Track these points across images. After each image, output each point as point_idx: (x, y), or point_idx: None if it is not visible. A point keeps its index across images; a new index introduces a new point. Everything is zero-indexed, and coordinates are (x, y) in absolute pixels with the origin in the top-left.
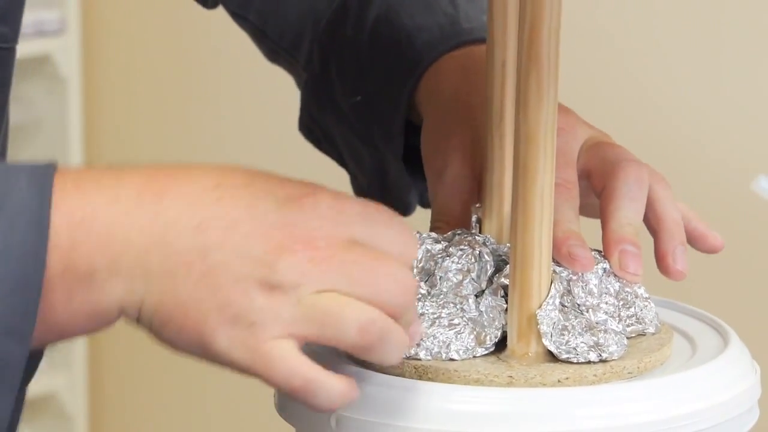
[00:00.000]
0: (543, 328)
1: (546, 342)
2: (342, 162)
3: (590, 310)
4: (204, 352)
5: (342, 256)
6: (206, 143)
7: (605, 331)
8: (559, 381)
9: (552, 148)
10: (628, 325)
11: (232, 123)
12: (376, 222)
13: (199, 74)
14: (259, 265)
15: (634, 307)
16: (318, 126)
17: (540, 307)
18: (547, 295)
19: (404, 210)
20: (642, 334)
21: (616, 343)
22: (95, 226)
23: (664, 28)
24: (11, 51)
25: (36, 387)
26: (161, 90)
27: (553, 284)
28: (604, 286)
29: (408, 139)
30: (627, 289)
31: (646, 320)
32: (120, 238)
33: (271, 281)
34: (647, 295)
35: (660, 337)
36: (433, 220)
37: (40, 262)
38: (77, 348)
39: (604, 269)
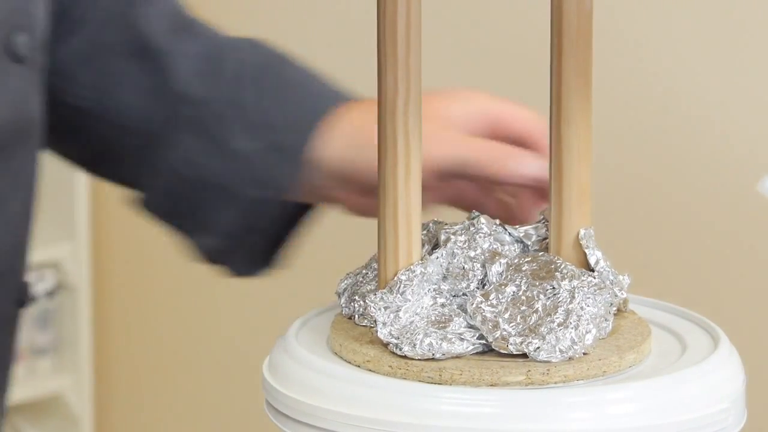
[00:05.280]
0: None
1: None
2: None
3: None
4: None
5: None
6: None
7: (577, 327)
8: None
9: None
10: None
11: None
12: None
13: None
14: None
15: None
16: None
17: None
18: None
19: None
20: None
21: (594, 337)
22: None
23: (679, 22)
24: None
25: (42, 388)
26: None
27: None
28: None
29: None
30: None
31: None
32: None
33: None
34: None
35: (640, 330)
36: None
37: None
38: (83, 349)
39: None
